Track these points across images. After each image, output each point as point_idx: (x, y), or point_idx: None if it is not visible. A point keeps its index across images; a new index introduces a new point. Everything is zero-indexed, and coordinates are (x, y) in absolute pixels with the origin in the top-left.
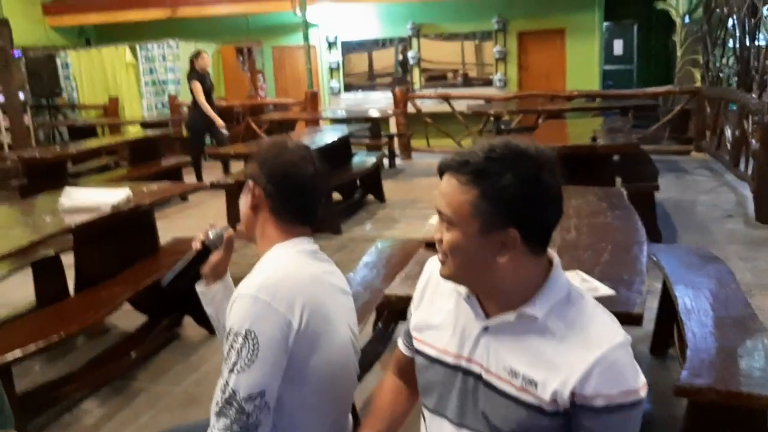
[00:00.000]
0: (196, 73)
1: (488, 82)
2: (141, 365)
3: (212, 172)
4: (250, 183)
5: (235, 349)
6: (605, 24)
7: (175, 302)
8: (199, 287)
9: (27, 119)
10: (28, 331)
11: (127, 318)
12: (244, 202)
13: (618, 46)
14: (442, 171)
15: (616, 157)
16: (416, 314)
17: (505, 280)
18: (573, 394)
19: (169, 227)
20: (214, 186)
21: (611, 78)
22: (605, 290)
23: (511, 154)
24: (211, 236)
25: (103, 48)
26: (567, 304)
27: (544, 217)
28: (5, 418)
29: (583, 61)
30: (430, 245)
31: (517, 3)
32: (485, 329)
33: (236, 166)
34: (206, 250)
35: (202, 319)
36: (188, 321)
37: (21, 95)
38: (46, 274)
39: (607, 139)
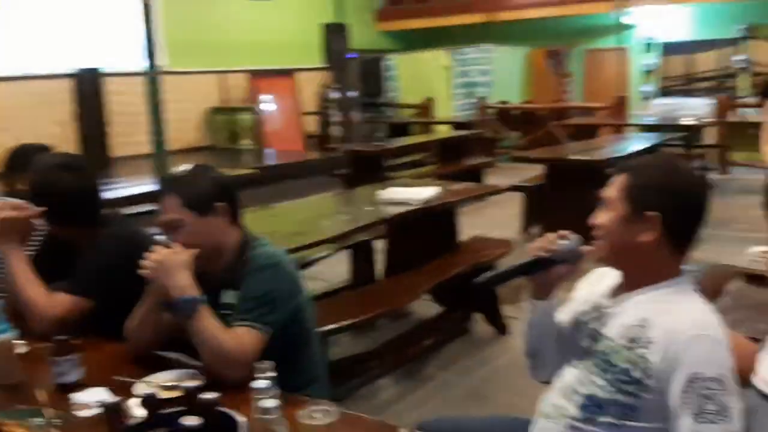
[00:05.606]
0: None
1: None
2: (433, 353)
3: (509, 173)
4: (654, 214)
5: (707, 396)
6: None
7: (470, 298)
8: (531, 299)
9: (355, 115)
10: (345, 306)
11: (424, 306)
12: (625, 230)
13: None
14: None
15: None
16: None
17: None
18: None
19: (466, 224)
20: (514, 188)
21: None
22: None
23: None
24: (564, 246)
25: (424, 52)
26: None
27: None
28: (323, 386)
29: None
30: (751, 278)
31: None
32: None
33: (531, 170)
34: (550, 260)
35: (493, 318)
36: (478, 317)
37: (352, 93)
38: (361, 256)
39: None
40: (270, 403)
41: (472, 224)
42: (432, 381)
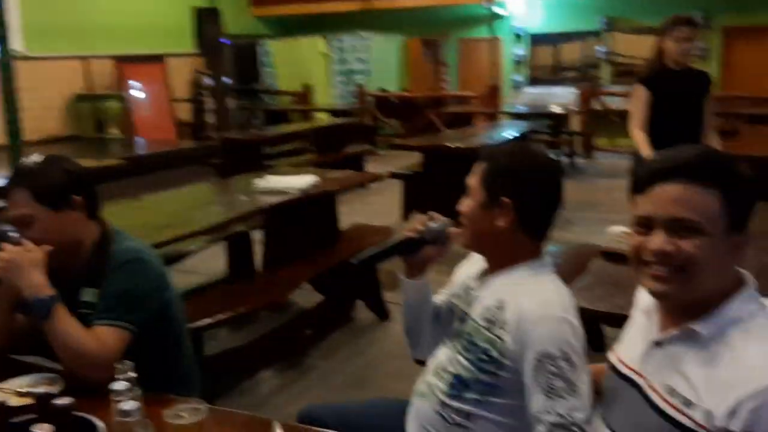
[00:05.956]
0: (646, 69)
1: None
2: (314, 342)
3: (390, 161)
4: (506, 200)
5: (555, 374)
6: None
7: (351, 286)
8: (403, 277)
9: (230, 102)
10: (222, 300)
11: (305, 295)
12: (483, 216)
13: None
14: (658, 178)
15: None
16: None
17: (711, 286)
18: (723, 428)
19: (348, 212)
20: (393, 176)
21: None
22: None
23: (722, 154)
24: (432, 228)
25: (301, 38)
26: (743, 328)
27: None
28: (194, 383)
29: None
30: (610, 256)
31: None
32: (656, 343)
33: (412, 158)
34: (420, 240)
35: (374, 305)
36: (360, 305)
37: (226, 80)
38: (238, 248)
39: None
40: (130, 405)
41: (354, 212)
42: (314, 371)
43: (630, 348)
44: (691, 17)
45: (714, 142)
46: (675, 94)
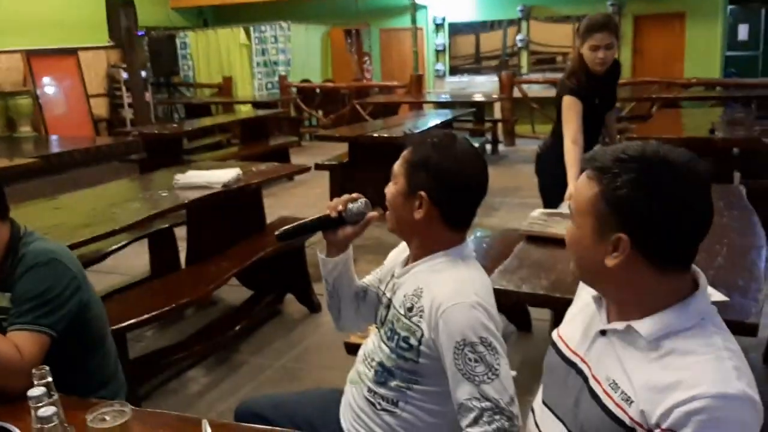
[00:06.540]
0: (574, 79)
1: None
2: (244, 338)
3: (316, 152)
4: (422, 194)
5: (475, 359)
6: (729, 7)
7: (280, 279)
8: (321, 255)
9: (148, 96)
10: (144, 299)
11: (233, 292)
12: (403, 205)
13: (743, 31)
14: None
15: (735, 151)
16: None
17: (620, 287)
18: (655, 424)
19: (275, 205)
20: (319, 167)
21: (734, 65)
22: (718, 296)
23: (644, 157)
24: (351, 209)
25: (220, 29)
26: (689, 335)
27: (666, 230)
28: (119, 386)
29: (703, 47)
30: (532, 239)
31: None
32: (602, 333)
33: (338, 149)
34: (340, 220)
35: (304, 297)
36: (290, 298)
37: (143, 73)
38: (161, 245)
39: (726, 131)
40: (48, 411)
41: (280, 205)
42: (244, 366)
43: (575, 331)
44: (607, 20)
45: (612, 125)
46: (599, 97)
